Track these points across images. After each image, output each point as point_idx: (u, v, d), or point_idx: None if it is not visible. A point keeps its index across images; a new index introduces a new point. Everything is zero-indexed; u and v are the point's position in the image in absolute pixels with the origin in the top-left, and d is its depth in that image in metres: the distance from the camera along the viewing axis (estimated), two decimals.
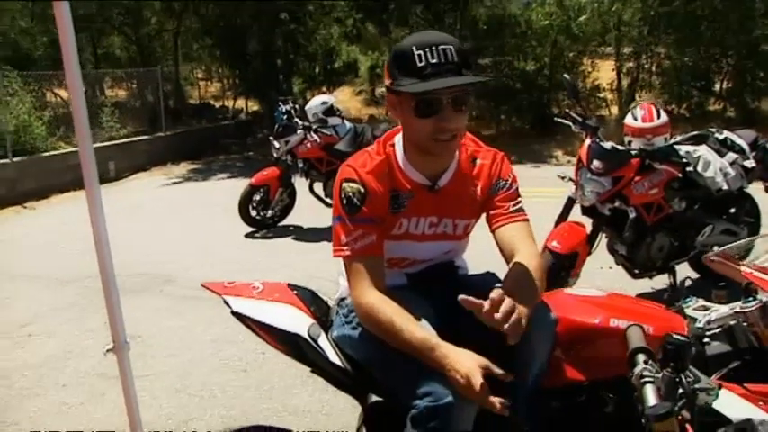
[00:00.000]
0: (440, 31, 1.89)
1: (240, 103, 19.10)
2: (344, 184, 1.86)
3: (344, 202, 1.84)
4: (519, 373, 1.67)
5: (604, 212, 4.53)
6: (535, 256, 1.82)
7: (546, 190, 5.19)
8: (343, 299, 1.99)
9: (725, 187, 4.57)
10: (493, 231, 1.91)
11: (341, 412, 3.46)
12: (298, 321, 1.99)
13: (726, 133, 4.84)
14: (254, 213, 7.72)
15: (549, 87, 13.99)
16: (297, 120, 7.77)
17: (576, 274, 4.47)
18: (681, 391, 1.18)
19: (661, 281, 4.73)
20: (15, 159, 10.64)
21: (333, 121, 7.79)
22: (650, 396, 1.20)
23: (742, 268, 1.86)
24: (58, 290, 5.97)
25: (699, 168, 4.58)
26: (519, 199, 1.94)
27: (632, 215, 4.45)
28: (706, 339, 1.90)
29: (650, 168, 4.44)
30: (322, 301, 2.15)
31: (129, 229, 7.65)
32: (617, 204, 4.47)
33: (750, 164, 4.70)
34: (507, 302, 1.54)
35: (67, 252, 6.98)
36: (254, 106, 18.49)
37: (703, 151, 4.62)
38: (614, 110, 14.16)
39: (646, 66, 14.26)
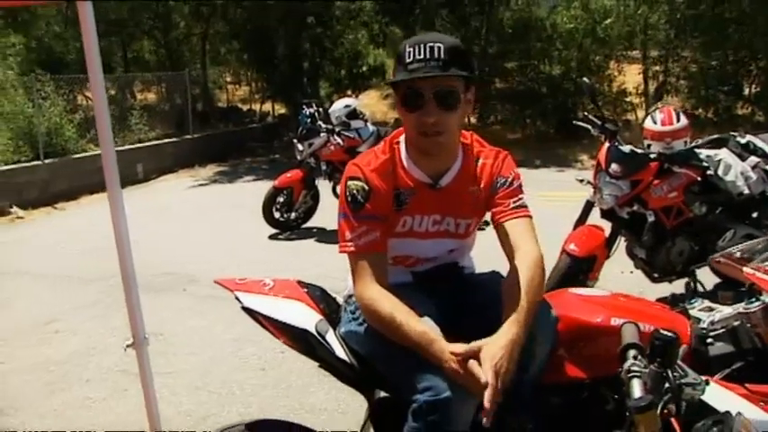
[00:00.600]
0: (449, 35, 1.94)
1: (267, 106, 19.27)
2: (349, 182, 1.91)
3: (349, 199, 1.89)
4: (520, 370, 1.69)
5: (623, 216, 4.51)
6: (534, 254, 1.84)
7: (569, 194, 5.21)
8: (350, 296, 2.02)
9: (746, 191, 4.53)
10: (495, 228, 1.95)
11: (357, 411, 3.49)
12: (306, 317, 2.03)
13: (748, 137, 4.79)
14: (277, 215, 7.81)
15: (574, 91, 13.91)
16: (320, 123, 7.86)
17: (595, 278, 4.45)
18: (667, 385, 1.21)
19: (682, 285, 4.70)
20: (47, 161, 10.90)
21: (356, 124, 7.88)
22: (636, 390, 1.22)
23: (744, 269, 1.87)
24: (83, 288, 6.11)
25: (719, 172, 4.53)
26: (521, 196, 1.96)
27: (651, 219, 4.43)
28: (709, 340, 1.91)
29: (669, 172, 4.42)
30: (331, 298, 2.19)
31: (156, 230, 7.80)
32: (635, 208, 4.45)
33: None
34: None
35: (95, 251, 7.11)
36: (280, 109, 18.63)
37: (724, 155, 4.58)
38: (641, 114, 14.01)
39: (674, 70, 14.10)
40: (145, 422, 3.07)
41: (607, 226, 4.66)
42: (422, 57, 1.78)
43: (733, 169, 4.54)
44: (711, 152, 4.61)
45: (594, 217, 4.73)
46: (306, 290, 2.16)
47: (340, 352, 1.99)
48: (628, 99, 14.21)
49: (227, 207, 9.76)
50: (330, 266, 4.95)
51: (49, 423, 3.73)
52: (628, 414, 1.18)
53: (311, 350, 2.02)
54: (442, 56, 1.78)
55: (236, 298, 2.11)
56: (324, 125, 7.81)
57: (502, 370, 1.58)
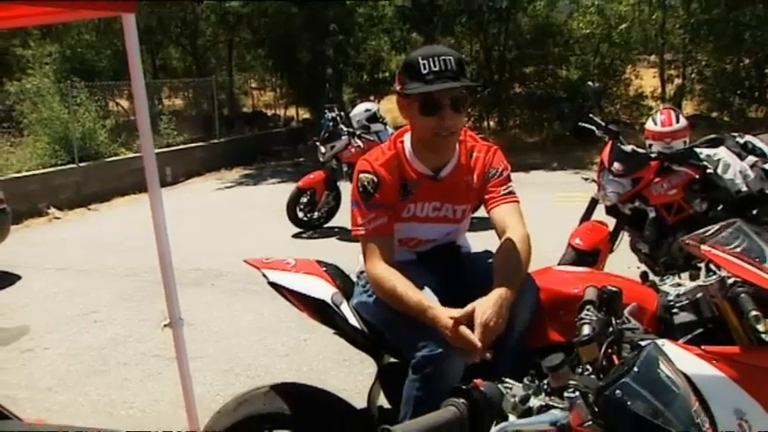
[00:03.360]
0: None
1: (291, 111, 19.67)
2: (361, 175, 2.21)
3: (361, 189, 2.20)
4: (504, 332, 1.97)
5: (626, 212, 4.75)
6: (521, 232, 2.13)
7: (585, 194, 5.49)
8: (362, 272, 2.32)
9: (744, 189, 4.71)
10: (488, 212, 2.24)
11: None
12: (324, 290, 2.33)
13: (747, 137, 4.99)
14: (301, 215, 8.15)
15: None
16: (342, 126, 8.18)
17: (599, 270, 4.69)
18: (611, 329, 1.48)
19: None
20: (81, 164, 11.36)
21: (375, 127, 8.18)
22: (584, 332, 1.50)
23: (702, 247, 2.12)
24: (118, 283, 6.50)
25: (719, 171, 4.73)
26: (510, 184, 2.25)
27: (652, 215, 4.66)
28: (675, 310, 2.17)
29: (669, 170, 4.64)
30: (346, 275, 2.50)
31: (185, 230, 8.13)
32: (637, 204, 4.68)
33: None
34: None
35: (127, 250, 7.51)
36: (304, 114, 19.01)
37: (723, 154, 4.78)
38: None
39: (691, 74, 14.19)
40: (178, 401, 3.40)
41: (611, 222, 4.90)
42: (437, 69, 2.05)
43: (732, 168, 4.74)
44: (711, 151, 4.82)
45: (601, 214, 4.99)
46: (324, 268, 2.47)
47: (353, 320, 2.28)
48: (644, 103, 14.35)
49: (253, 208, 10.11)
50: (350, 262, 5.28)
51: (93, 400, 4.09)
52: (574, 349, 1.46)
53: (328, 319, 2.32)
54: (454, 67, 2.06)
55: (263, 275, 2.42)
56: (345, 128, 8.12)
57: (491, 324, 1.86)
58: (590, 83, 5.41)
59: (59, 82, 12.86)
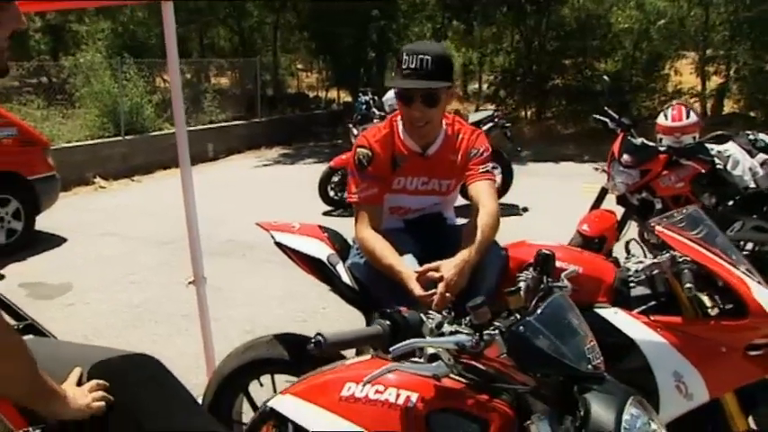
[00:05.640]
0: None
1: (333, 93, 20.01)
2: (358, 149, 2.53)
3: (357, 162, 2.51)
4: (472, 292, 2.24)
5: (634, 202, 4.95)
6: (490, 206, 2.40)
7: None
8: None
9: (752, 185, 4.87)
10: (467, 186, 2.53)
11: None
12: (322, 250, 2.65)
13: (761, 135, 5.13)
14: (332, 194, 8.44)
15: (629, 89, 14.06)
16: (374, 110, 8.46)
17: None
18: (542, 286, 1.74)
19: None
20: (127, 137, 11.84)
21: None
22: (520, 286, 1.76)
23: (657, 228, 2.37)
24: (156, 249, 6.93)
25: (728, 167, 4.89)
26: (488, 164, 2.53)
27: (658, 206, 4.85)
28: (632, 284, 2.42)
29: (677, 164, 4.82)
30: (344, 239, 2.80)
31: (222, 204, 8.54)
32: (644, 195, 4.88)
33: None
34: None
35: (167, 219, 7.90)
36: (345, 97, 19.33)
37: (733, 151, 4.93)
38: None
39: (730, 73, 14.04)
40: (201, 355, 3.76)
41: (621, 212, 5.09)
42: (414, 66, 2.34)
43: (741, 164, 4.88)
44: (722, 148, 4.97)
45: (612, 204, 5.18)
46: (326, 233, 2.78)
47: (346, 279, 2.59)
48: (682, 99, 14.26)
49: (288, 185, 10.43)
50: None
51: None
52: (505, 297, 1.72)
53: (325, 276, 2.64)
54: (429, 66, 2.33)
55: (271, 235, 2.74)
56: (377, 112, 8.41)
57: (452, 282, 2.14)
58: (605, 77, 5.59)
59: (111, 57, 13.35)
